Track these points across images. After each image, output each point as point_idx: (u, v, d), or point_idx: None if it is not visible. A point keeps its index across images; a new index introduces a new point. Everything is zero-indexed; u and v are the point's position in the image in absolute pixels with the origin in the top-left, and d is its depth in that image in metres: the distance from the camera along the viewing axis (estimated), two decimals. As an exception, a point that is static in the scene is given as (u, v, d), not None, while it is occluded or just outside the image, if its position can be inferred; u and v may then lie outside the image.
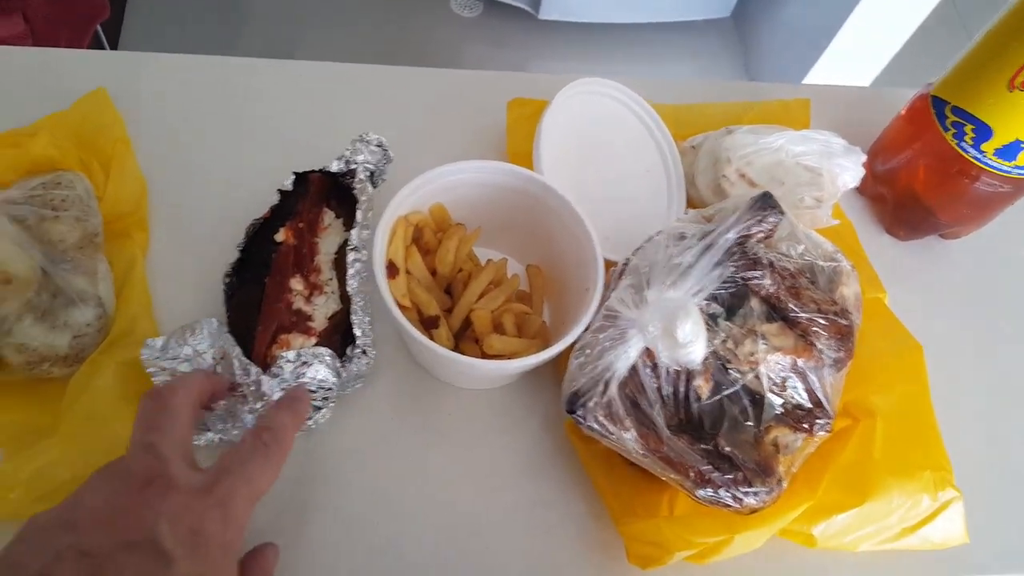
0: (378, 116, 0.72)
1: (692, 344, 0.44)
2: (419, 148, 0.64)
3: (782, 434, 0.49)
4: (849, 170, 0.67)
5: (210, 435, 0.51)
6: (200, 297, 0.59)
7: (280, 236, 0.57)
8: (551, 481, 0.56)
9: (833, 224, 0.66)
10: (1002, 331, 0.70)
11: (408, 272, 0.54)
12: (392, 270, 0.53)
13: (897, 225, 0.73)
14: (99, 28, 1.56)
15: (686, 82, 0.83)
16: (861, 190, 0.75)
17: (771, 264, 0.49)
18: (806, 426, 0.49)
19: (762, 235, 0.49)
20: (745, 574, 0.54)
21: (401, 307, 0.52)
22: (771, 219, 0.49)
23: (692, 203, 0.69)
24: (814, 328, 0.50)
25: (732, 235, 0.48)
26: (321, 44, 1.96)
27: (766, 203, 0.49)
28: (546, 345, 0.57)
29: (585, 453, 0.55)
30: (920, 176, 0.67)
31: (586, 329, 0.50)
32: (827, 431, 0.49)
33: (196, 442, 0.51)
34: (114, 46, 1.78)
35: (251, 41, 1.94)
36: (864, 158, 0.68)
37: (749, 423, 0.49)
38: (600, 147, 0.67)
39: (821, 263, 0.53)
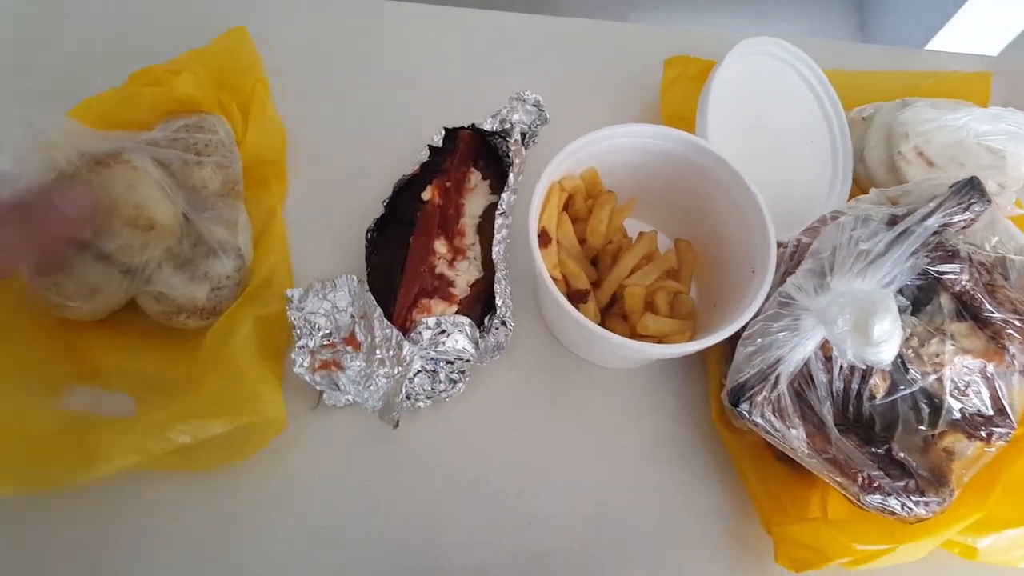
0: (526, 69, 0.69)
1: (886, 343, 0.40)
2: (568, 107, 0.61)
3: (956, 440, 0.45)
4: (1037, 155, 0.60)
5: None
6: (339, 251, 0.58)
7: (427, 194, 0.54)
8: (691, 466, 0.53)
9: (1016, 213, 0.60)
10: None
11: (558, 242, 0.51)
12: (544, 239, 0.50)
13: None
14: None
15: (847, 46, 0.77)
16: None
17: (969, 258, 0.45)
18: (984, 434, 0.45)
19: (964, 225, 0.44)
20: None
21: (551, 278, 0.49)
22: (976, 207, 0.44)
23: (858, 180, 0.64)
24: (1008, 330, 0.45)
25: (932, 222, 0.43)
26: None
27: (973, 189, 0.44)
28: (695, 327, 0.54)
29: (733, 443, 0.52)
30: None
31: (755, 315, 0.46)
32: (1006, 440, 0.45)
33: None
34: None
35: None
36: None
37: (922, 427, 0.45)
38: (765, 115, 0.62)
39: (1013, 257, 0.48)
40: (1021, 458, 0.48)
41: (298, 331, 0.50)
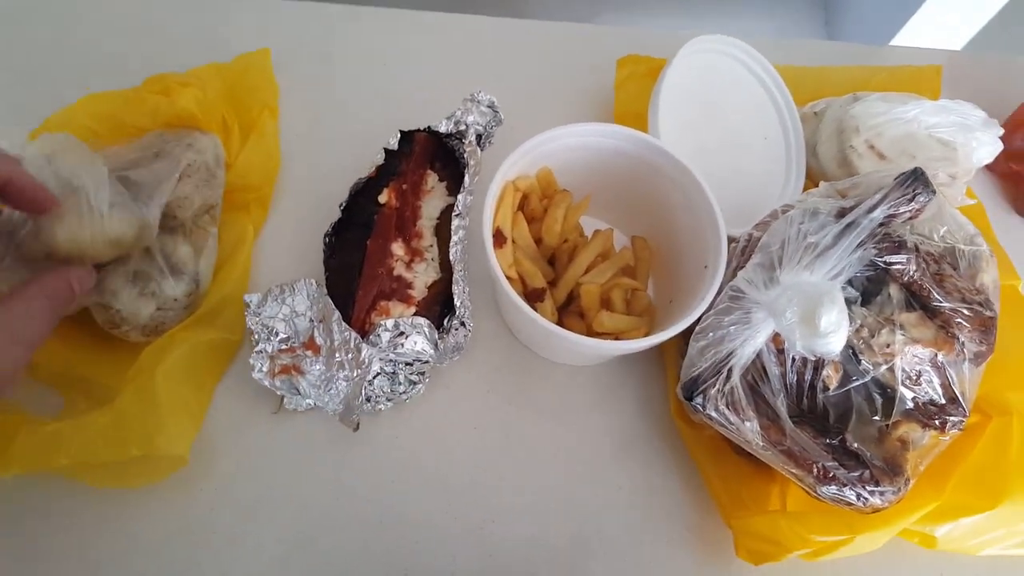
0: (480, 70, 0.69)
1: (834, 334, 0.41)
2: (523, 107, 0.61)
3: (911, 430, 0.45)
4: (986, 145, 0.61)
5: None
6: (298, 256, 0.58)
7: (383, 197, 0.54)
8: (651, 462, 0.54)
9: (967, 204, 0.61)
10: None
11: (514, 241, 0.52)
12: (499, 239, 0.50)
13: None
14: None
15: (800, 43, 0.78)
16: (991, 167, 0.69)
17: (916, 248, 0.45)
18: (938, 423, 0.45)
19: (909, 215, 0.45)
20: (855, 572, 0.51)
21: (507, 280, 0.49)
22: (922, 198, 0.44)
23: (811, 174, 0.64)
24: (957, 319, 0.46)
25: (878, 214, 0.44)
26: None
27: (917, 180, 0.44)
28: (652, 323, 0.54)
29: (691, 438, 0.52)
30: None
31: (707, 310, 0.46)
32: (960, 429, 0.46)
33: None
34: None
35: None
36: (1001, 132, 0.62)
37: (876, 417, 0.45)
38: (717, 111, 0.62)
39: (962, 247, 0.49)
40: (976, 446, 0.49)
41: (256, 336, 0.50)
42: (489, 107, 0.57)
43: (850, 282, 0.46)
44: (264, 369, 0.49)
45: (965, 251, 0.49)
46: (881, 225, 0.45)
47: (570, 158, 0.55)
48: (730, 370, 0.43)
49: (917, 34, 1.70)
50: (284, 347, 0.50)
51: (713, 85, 0.63)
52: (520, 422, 0.54)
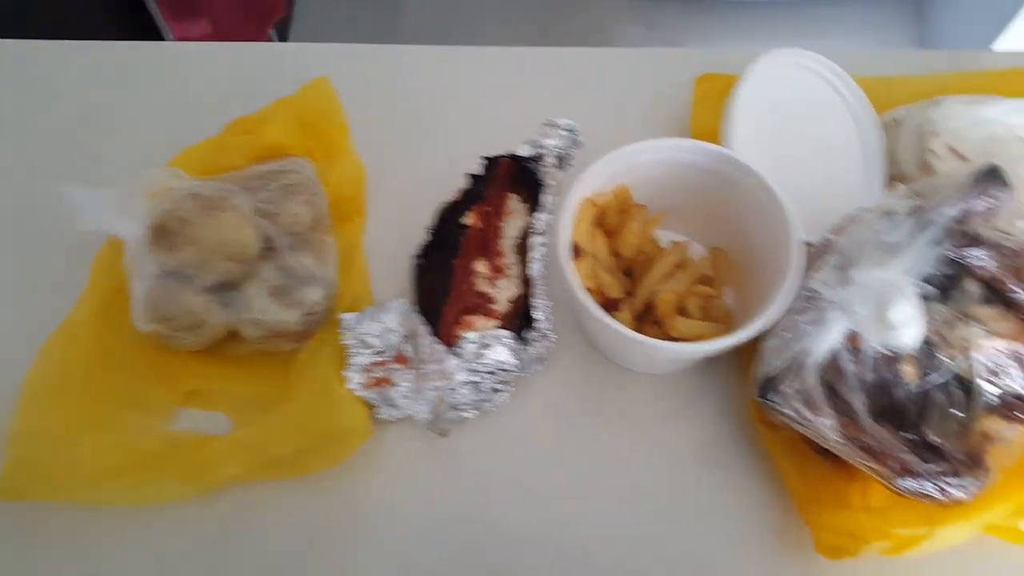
0: (562, 100, 0.72)
1: (907, 327, 0.41)
2: (604, 131, 0.63)
3: (994, 424, 0.45)
4: (1076, 144, 0.60)
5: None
6: (392, 277, 0.62)
7: (467, 219, 0.58)
8: (732, 466, 0.55)
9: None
10: None
11: (592, 254, 0.54)
12: (577, 252, 0.53)
13: None
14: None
15: (883, 54, 0.78)
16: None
17: (994, 243, 0.45)
18: (1021, 416, 0.44)
19: (985, 212, 0.45)
20: (942, 570, 0.50)
21: (585, 289, 0.52)
22: (997, 194, 0.44)
23: (893, 182, 0.64)
24: (1038, 312, 0.45)
25: (952, 211, 0.44)
26: (475, 30, 2.00)
27: (992, 176, 0.45)
28: (730, 330, 0.55)
29: (770, 439, 0.53)
30: None
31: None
32: None
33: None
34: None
35: (407, 29, 2.00)
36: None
37: (956, 412, 0.45)
38: (794, 122, 0.63)
39: (1048, 242, 0.48)
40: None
41: (352, 351, 0.54)
42: (567, 131, 0.60)
43: (928, 281, 0.46)
44: (360, 381, 0.53)
45: (1051, 246, 0.48)
46: (958, 223, 0.45)
47: (646, 174, 0.57)
48: (804, 368, 0.44)
49: (1015, 46, 1.64)
50: (377, 359, 0.54)
51: (787, 97, 0.64)
52: (602, 429, 0.56)
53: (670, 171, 0.57)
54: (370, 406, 0.54)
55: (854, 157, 0.64)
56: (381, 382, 0.53)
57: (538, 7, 2.04)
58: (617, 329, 0.48)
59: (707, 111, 0.66)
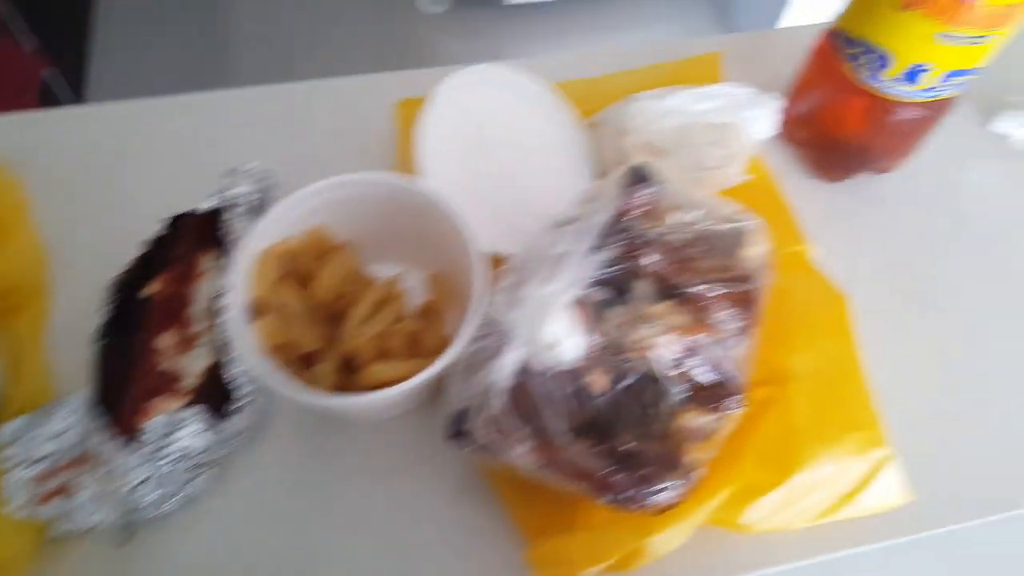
0: (257, 141, 0.68)
1: (561, 343, 0.40)
2: (309, 167, 0.59)
3: (693, 418, 0.45)
4: (760, 120, 0.62)
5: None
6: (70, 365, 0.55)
7: (151, 289, 0.53)
8: (469, 507, 0.52)
9: (747, 180, 0.62)
10: (943, 267, 0.65)
11: (279, 308, 0.50)
12: (260, 309, 0.49)
13: (823, 168, 0.68)
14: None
15: (587, 54, 0.78)
16: (786, 137, 0.70)
17: (653, 240, 0.45)
18: (713, 406, 0.45)
19: (640, 210, 0.45)
20: (683, 568, 0.50)
21: (276, 348, 0.48)
22: (644, 192, 0.44)
23: (600, 183, 0.65)
24: (709, 301, 0.45)
25: (604, 215, 0.44)
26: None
27: (636, 176, 0.45)
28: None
29: (494, 472, 0.51)
30: (834, 114, 0.63)
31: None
32: (739, 406, 0.45)
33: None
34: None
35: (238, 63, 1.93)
36: (779, 104, 0.63)
37: (653, 412, 0.45)
38: (496, 138, 0.62)
39: (719, 227, 0.49)
40: (763, 422, 0.48)
41: (10, 465, 0.47)
42: (256, 175, 0.56)
43: (605, 284, 0.46)
44: (26, 498, 0.47)
45: (724, 231, 0.49)
46: (618, 226, 0.45)
47: (346, 210, 0.54)
48: (489, 399, 0.43)
49: (803, 15, 1.77)
50: (49, 467, 0.48)
51: (485, 114, 0.62)
52: (330, 491, 0.52)
53: (367, 205, 0.54)
54: (42, 526, 0.47)
55: (563, 165, 0.64)
56: (56, 493, 0.47)
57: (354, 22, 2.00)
58: (294, 396, 0.44)
59: (411, 137, 0.64)
